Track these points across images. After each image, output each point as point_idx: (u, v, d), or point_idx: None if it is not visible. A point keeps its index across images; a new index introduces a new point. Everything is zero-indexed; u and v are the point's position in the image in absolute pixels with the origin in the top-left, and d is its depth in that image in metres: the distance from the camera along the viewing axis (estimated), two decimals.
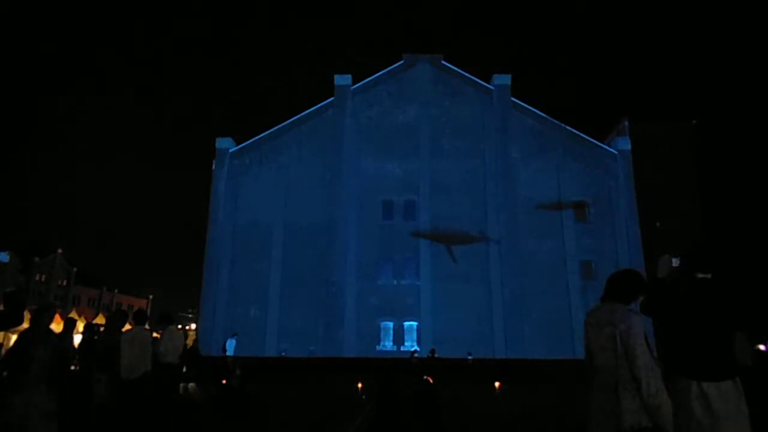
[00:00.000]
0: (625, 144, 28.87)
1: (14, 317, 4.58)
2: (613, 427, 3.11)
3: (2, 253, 46.06)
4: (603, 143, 29.78)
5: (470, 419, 10.49)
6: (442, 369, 17.39)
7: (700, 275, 3.66)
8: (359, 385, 14.80)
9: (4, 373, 4.98)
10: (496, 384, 17.85)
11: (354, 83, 29.25)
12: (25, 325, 5.45)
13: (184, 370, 10.47)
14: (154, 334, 9.17)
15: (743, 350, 3.52)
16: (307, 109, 29.35)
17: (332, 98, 29.14)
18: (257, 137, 29.14)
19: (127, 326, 9.09)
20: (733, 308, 3.55)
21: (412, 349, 21.93)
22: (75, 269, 57.72)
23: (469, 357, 21.55)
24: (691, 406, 3.31)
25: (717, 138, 34.58)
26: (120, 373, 7.52)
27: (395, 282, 26.92)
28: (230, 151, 28.83)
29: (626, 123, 33.07)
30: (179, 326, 20.56)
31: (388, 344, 26.04)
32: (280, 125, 29.18)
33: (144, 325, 8.17)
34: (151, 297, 68.19)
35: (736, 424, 3.27)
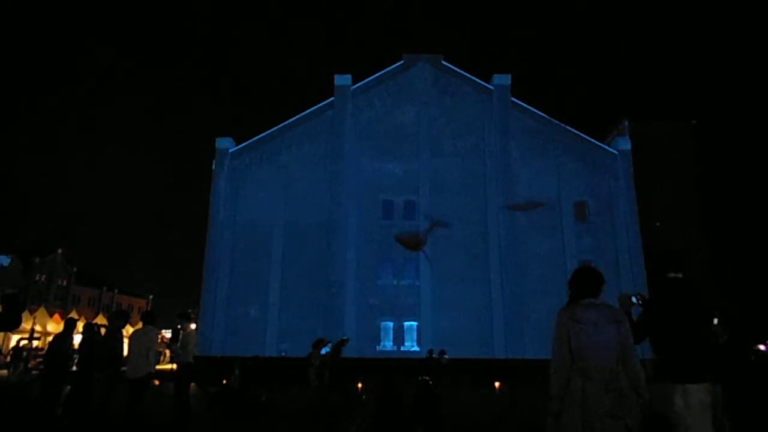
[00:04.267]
0: (625, 144, 28.86)
1: (13, 319, 4.62)
2: (623, 427, 3.13)
3: (3, 257, 45.71)
4: (603, 143, 29.78)
5: (469, 419, 10.50)
6: (441, 369, 17.43)
7: (672, 274, 3.86)
8: (359, 385, 14.81)
9: None
10: (496, 384, 17.87)
11: (354, 83, 29.19)
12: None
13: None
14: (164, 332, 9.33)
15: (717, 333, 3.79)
16: (307, 109, 29.34)
17: (332, 98, 29.10)
18: (257, 137, 29.11)
19: (129, 327, 9.12)
20: (704, 303, 3.77)
21: (440, 349, 19.31)
22: (75, 269, 57.65)
23: (446, 357, 18.73)
24: (674, 406, 3.48)
25: (717, 138, 34.55)
26: (125, 372, 7.60)
27: (395, 282, 26.90)
28: (230, 151, 28.82)
29: (626, 123, 33.11)
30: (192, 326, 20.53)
31: (388, 344, 26.04)
32: (280, 125, 29.14)
33: (153, 325, 8.16)
34: (151, 297, 68.13)
35: (706, 425, 3.48)
